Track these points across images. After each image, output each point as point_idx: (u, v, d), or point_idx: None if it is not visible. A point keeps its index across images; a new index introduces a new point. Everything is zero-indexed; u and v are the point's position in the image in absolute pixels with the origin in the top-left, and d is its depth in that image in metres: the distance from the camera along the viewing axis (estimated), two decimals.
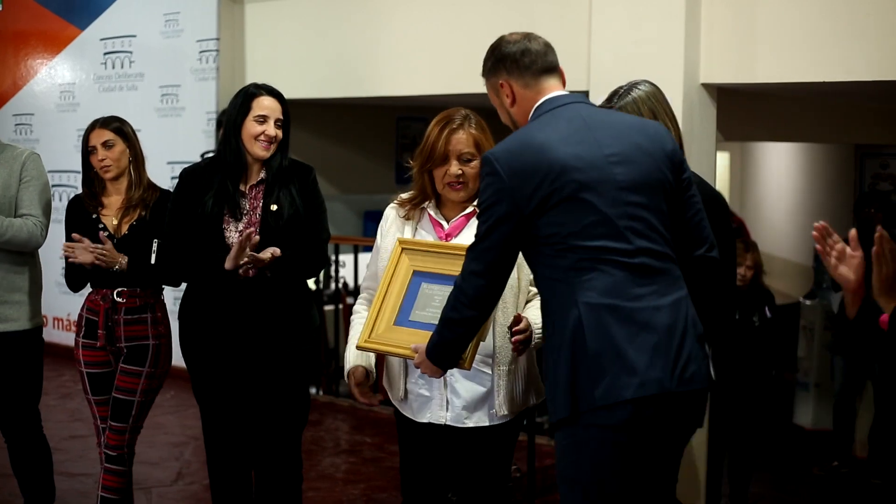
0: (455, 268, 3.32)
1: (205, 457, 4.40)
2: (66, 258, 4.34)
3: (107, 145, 4.42)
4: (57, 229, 4.61)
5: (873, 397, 6.86)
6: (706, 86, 5.89)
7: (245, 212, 4.09)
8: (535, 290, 3.45)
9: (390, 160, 9.86)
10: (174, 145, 8.29)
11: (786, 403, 8.17)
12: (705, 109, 5.90)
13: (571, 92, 3.13)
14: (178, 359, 4.39)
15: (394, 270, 3.46)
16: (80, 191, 4.56)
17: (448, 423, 3.47)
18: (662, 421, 2.86)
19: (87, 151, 4.45)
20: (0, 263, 4.53)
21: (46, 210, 4.63)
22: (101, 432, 4.49)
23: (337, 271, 8.57)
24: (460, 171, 3.44)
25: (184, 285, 4.32)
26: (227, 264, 3.96)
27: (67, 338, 4.57)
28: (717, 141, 6.10)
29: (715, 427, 5.54)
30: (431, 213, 3.55)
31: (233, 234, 4.06)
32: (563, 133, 2.92)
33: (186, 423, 7.07)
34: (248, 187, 4.12)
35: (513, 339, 3.27)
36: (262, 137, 4.06)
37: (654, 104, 3.51)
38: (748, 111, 7.05)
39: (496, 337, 3.40)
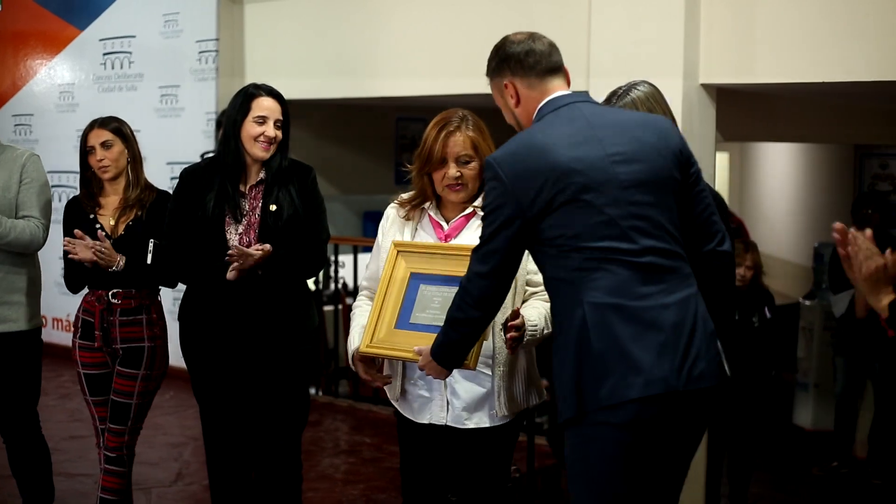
0: (452, 268, 3.32)
1: (204, 457, 4.40)
2: (66, 256, 4.34)
3: (105, 145, 4.42)
4: (56, 230, 4.61)
5: (874, 397, 6.86)
6: (705, 86, 5.88)
7: (245, 212, 4.08)
8: (531, 290, 3.45)
9: (390, 160, 9.86)
10: (173, 146, 8.29)
11: (785, 404, 8.17)
12: (704, 109, 5.90)
13: (573, 92, 3.12)
14: (177, 359, 4.38)
15: (391, 273, 3.46)
16: (78, 191, 4.56)
17: (448, 423, 3.47)
18: (669, 420, 2.85)
19: (86, 151, 4.45)
20: None
21: (47, 212, 4.63)
22: (100, 433, 4.49)
23: (336, 272, 8.57)
24: (458, 174, 3.44)
25: (182, 286, 4.31)
26: (229, 276, 3.95)
27: (67, 338, 4.57)
28: (716, 141, 6.09)
29: (715, 427, 5.54)
30: (431, 214, 3.55)
31: (233, 235, 4.05)
32: (566, 134, 2.92)
33: (186, 423, 7.07)
34: (247, 188, 4.12)
35: (507, 336, 3.26)
36: (261, 138, 4.05)
37: (653, 104, 3.51)
38: (747, 111, 7.04)
39: (495, 338, 3.40)
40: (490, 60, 3.14)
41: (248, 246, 4.00)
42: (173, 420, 7.21)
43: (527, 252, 3.07)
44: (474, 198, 3.51)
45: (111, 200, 4.48)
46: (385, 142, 9.86)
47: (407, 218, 3.58)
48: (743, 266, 5.69)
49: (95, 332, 4.40)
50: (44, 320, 4.79)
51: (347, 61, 7.63)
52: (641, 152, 2.93)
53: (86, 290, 4.50)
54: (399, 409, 3.59)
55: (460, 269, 3.26)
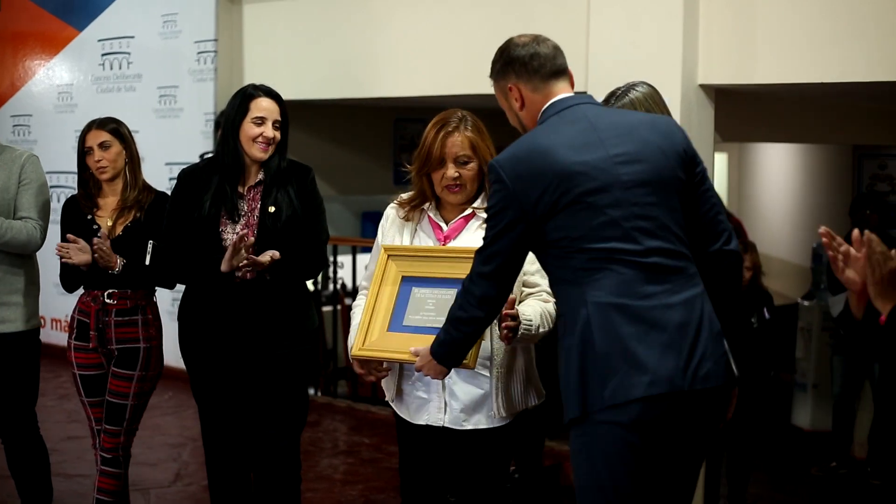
0: (445, 270, 3.33)
1: (203, 458, 4.40)
2: (61, 259, 4.34)
3: (103, 146, 4.42)
4: (54, 230, 4.60)
5: (873, 397, 6.86)
6: (704, 86, 5.88)
7: (243, 213, 4.08)
8: (528, 290, 3.45)
9: (388, 161, 9.86)
10: (172, 146, 8.29)
11: (784, 404, 8.17)
12: (703, 110, 5.90)
13: (576, 94, 3.12)
14: (176, 360, 4.38)
15: (382, 278, 3.46)
16: (77, 192, 4.56)
17: (446, 425, 3.47)
18: (674, 420, 2.85)
19: (84, 152, 4.45)
20: None
21: (45, 213, 4.63)
22: (97, 434, 4.49)
23: (335, 272, 8.57)
24: (457, 174, 3.44)
25: (181, 287, 4.31)
26: (223, 266, 3.96)
27: (65, 339, 4.56)
28: (714, 142, 6.10)
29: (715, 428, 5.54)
30: (431, 215, 3.55)
31: (230, 235, 4.05)
32: (569, 136, 2.92)
33: (185, 424, 7.07)
34: (246, 188, 4.12)
35: (502, 325, 3.25)
36: (260, 139, 4.05)
37: (651, 106, 3.51)
38: (746, 112, 7.05)
39: (493, 339, 3.40)
40: (494, 63, 3.14)
41: (246, 247, 4.00)
42: (172, 421, 7.21)
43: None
44: (473, 199, 3.51)
45: (109, 201, 4.48)
46: (384, 142, 9.86)
47: (406, 219, 3.58)
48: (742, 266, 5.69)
49: (90, 332, 4.40)
50: (42, 321, 4.78)
51: (346, 62, 7.63)
52: (645, 153, 2.93)
53: (81, 291, 4.50)
54: (396, 408, 3.59)
55: (453, 271, 3.27)
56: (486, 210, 3.01)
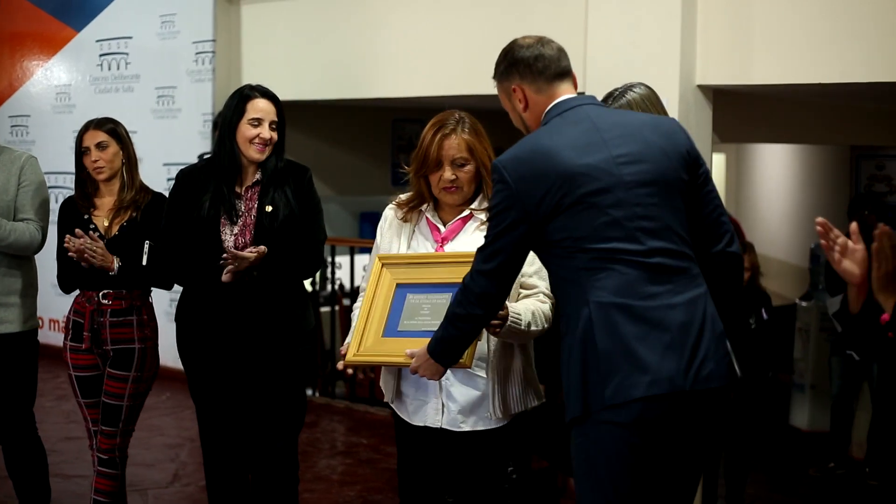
0: (439, 275, 3.33)
1: (201, 458, 4.40)
2: (59, 256, 4.34)
3: (100, 146, 4.42)
4: (52, 231, 4.61)
5: (872, 397, 6.86)
6: (702, 87, 5.88)
7: (240, 213, 4.08)
8: (525, 292, 3.44)
9: (386, 162, 9.87)
10: (170, 147, 8.29)
11: (782, 405, 8.17)
12: (701, 111, 5.90)
13: (579, 95, 3.12)
14: (174, 360, 4.38)
15: (376, 286, 3.47)
16: (74, 192, 4.56)
17: (444, 426, 3.47)
18: (675, 420, 2.85)
19: (81, 152, 4.45)
20: None
21: (45, 214, 4.63)
22: (93, 435, 4.49)
23: (333, 273, 8.57)
24: (454, 177, 3.44)
25: (178, 287, 4.31)
26: (224, 278, 3.96)
27: (62, 339, 4.56)
28: (712, 142, 6.10)
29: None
30: (429, 216, 3.55)
31: (228, 236, 4.05)
32: (572, 137, 2.92)
33: (183, 424, 7.07)
34: (243, 189, 4.12)
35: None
36: (256, 140, 4.05)
37: (648, 107, 3.51)
38: (744, 113, 7.05)
39: (490, 341, 3.39)
40: (498, 64, 3.14)
41: (244, 247, 4.00)
42: (170, 421, 7.21)
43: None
44: (471, 200, 3.51)
45: (106, 202, 4.48)
46: (382, 143, 9.87)
47: (405, 220, 3.58)
48: None
49: (84, 333, 4.40)
50: (40, 321, 4.79)
51: (344, 62, 7.63)
52: (647, 153, 2.93)
53: (77, 292, 4.50)
54: (395, 409, 3.60)
55: (447, 276, 3.27)
56: (489, 210, 3.01)
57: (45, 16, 9.18)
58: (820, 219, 2.71)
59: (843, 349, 6.90)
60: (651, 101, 3.55)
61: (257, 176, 4.12)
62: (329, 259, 8.33)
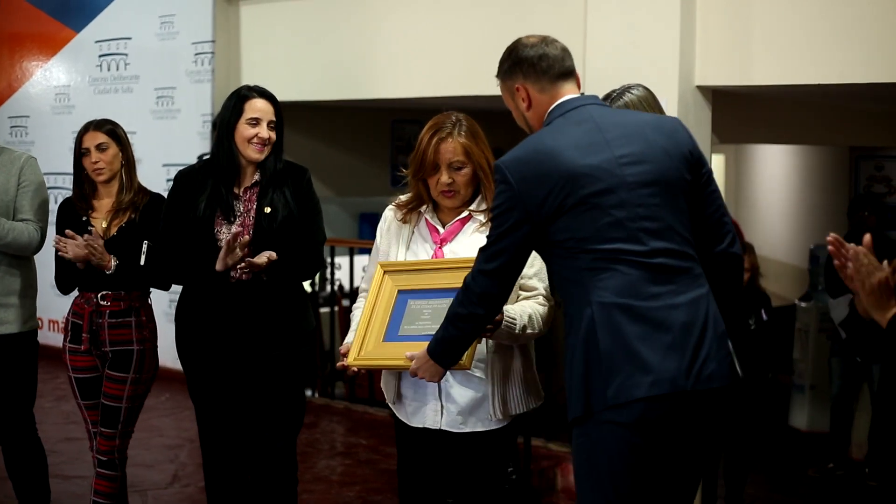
0: (441, 281, 3.34)
1: (200, 459, 4.40)
2: (57, 256, 4.34)
3: (100, 148, 4.42)
4: (50, 232, 4.60)
5: (873, 399, 6.86)
6: (701, 88, 5.89)
7: (239, 214, 4.08)
8: (525, 294, 3.44)
9: (385, 163, 9.87)
10: (169, 148, 8.29)
11: (781, 405, 8.18)
12: (700, 112, 5.90)
13: (582, 95, 3.12)
14: (173, 361, 4.38)
15: (378, 293, 3.47)
16: (72, 193, 4.56)
17: (443, 428, 3.47)
18: (677, 420, 2.86)
19: (80, 153, 4.45)
20: None
21: (44, 215, 4.63)
22: (93, 436, 4.49)
23: (332, 273, 8.57)
24: (451, 180, 3.44)
25: (177, 288, 4.31)
26: (218, 265, 3.96)
27: (62, 340, 4.56)
28: (712, 143, 6.10)
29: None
30: (428, 217, 3.55)
31: (225, 236, 4.05)
32: (574, 138, 2.92)
33: (182, 425, 7.07)
34: (242, 190, 4.12)
35: None
36: (254, 140, 4.06)
37: (646, 108, 3.51)
38: (743, 113, 7.05)
39: (489, 342, 3.39)
40: (502, 62, 3.13)
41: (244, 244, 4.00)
42: (169, 422, 7.21)
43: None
44: (469, 202, 3.51)
45: (104, 203, 4.48)
46: (381, 144, 9.87)
47: (404, 221, 3.58)
48: None
49: (83, 334, 4.40)
50: (39, 322, 4.79)
51: (343, 63, 7.63)
52: (650, 154, 2.93)
53: (76, 293, 4.50)
54: (395, 412, 3.60)
55: (449, 281, 3.27)
56: (491, 210, 3.01)
57: (44, 16, 9.18)
58: (831, 236, 2.70)
59: (848, 354, 6.90)
60: (648, 103, 3.56)
61: (256, 177, 4.12)
62: (328, 260, 8.32)
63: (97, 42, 8.85)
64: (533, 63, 3.05)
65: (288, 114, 4.18)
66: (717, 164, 10.78)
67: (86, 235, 4.28)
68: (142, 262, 4.36)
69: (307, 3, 7.87)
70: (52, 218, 4.59)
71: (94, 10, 8.85)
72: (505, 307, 3.27)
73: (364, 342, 3.43)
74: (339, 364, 3.50)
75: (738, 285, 3.13)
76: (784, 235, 10.66)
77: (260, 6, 8.19)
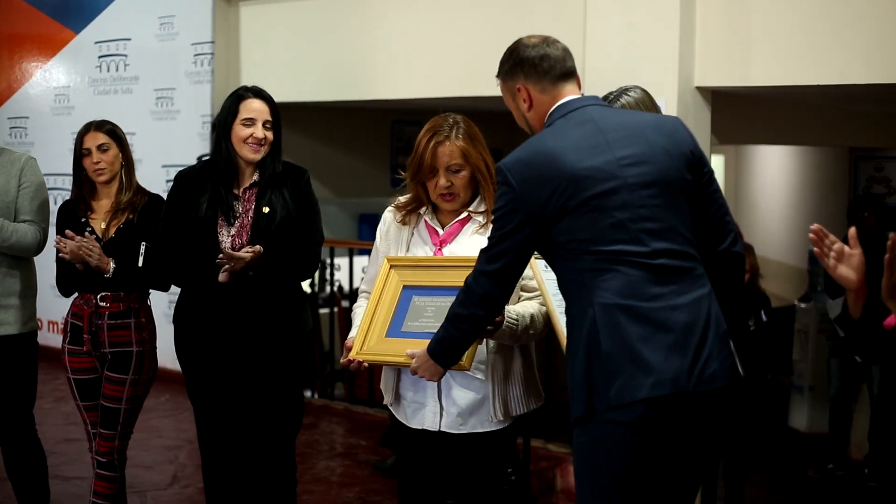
0: (446, 278, 3.34)
1: (200, 460, 4.40)
2: (58, 258, 4.34)
3: (102, 148, 4.42)
4: (51, 233, 4.60)
5: (874, 398, 6.86)
6: (701, 89, 5.89)
7: (238, 215, 4.09)
8: (526, 295, 3.45)
9: (385, 163, 9.87)
10: (169, 148, 8.29)
11: (780, 406, 8.18)
12: (700, 113, 5.91)
13: (583, 96, 3.11)
14: (173, 362, 4.38)
15: (383, 287, 3.48)
16: (70, 195, 4.56)
17: (442, 429, 3.47)
18: (678, 421, 2.86)
19: (81, 154, 4.45)
20: None
21: (45, 216, 4.64)
22: (92, 437, 4.49)
23: (332, 274, 8.57)
24: (449, 183, 3.44)
25: (176, 289, 4.31)
26: (221, 278, 3.96)
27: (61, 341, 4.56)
28: (711, 144, 6.10)
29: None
30: (427, 219, 3.55)
31: (226, 237, 4.06)
32: (576, 139, 2.92)
33: (181, 426, 7.07)
34: (241, 190, 4.13)
35: None
36: (250, 140, 4.07)
37: (644, 110, 3.51)
38: (743, 114, 7.06)
39: (490, 343, 3.39)
40: (503, 63, 3.13)
41: (240, 248, 4.01)
42: (169, 423, 7.21)
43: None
44: (468, 203, 3.51)
45: (103, 204, 4.48)
46: (380, 144, 9.87)
47: (403, 222, 3.58)
48: None
49: (84, 335, 4.40)
50: (39, 323, 4.78)
51: (343, 64, 7.63)
52: (651, 154, 2.93)
53: (76, 294, 4.50)
54: (394, 413, 3.59)
55: (455, 279, 3.27)
56: (493, 211, 3.01)
57: (43, 17, 9.18)
58: (814, 226, 2.72)
59: (845, 353, 6.90)
60: (646, 105, 3.56)
61: (255, 177, 4.13)
62: (328, 261, 8.32)
63: (97, 43, 8.85)
64: (534, 63, 3.05)
65: (287, 114, 4.18)
66: (717, 164, 10.79)
67: (78, 238, 4.28)
68: (140, 264, 4.36)
69: (307, 4, 7.87)
70: (52, 219, 4.60)
71: (93, 10, 8.86)
72: (506, 307, 3.27)
73: (367, 336, 3.44)
74: (343, 359, 3.51)
75: (739, 285, 3.13)
76: (783, 236, 10.66)
77: (259, 7, 8.19)
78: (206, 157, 4.44)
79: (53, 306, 7.76)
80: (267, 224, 4.06)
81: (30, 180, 4.59)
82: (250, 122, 4.07)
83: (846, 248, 2.80)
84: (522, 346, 3.47)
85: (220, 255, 3.95)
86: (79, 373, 4.45)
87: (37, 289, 4.73)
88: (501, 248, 2.95)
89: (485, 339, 3.35)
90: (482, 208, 3.48)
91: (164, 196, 4.37)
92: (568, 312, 2.98)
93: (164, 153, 8.28)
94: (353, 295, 7.61)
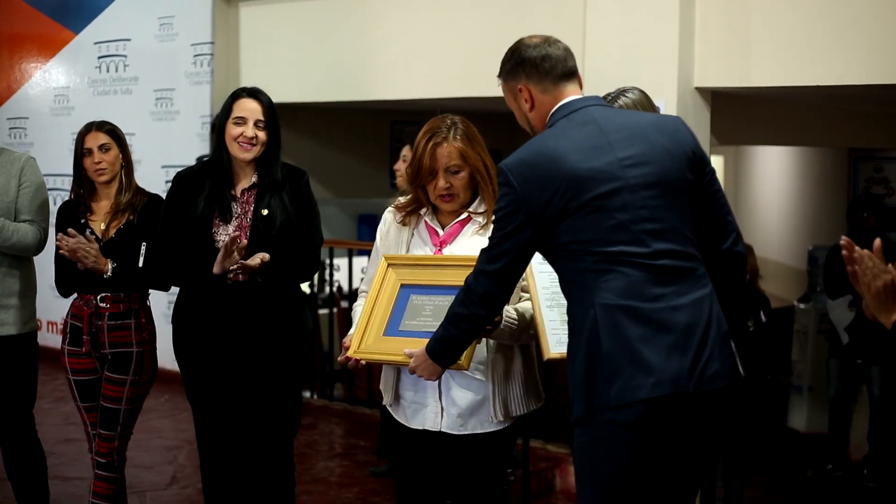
0: (444, 278, 3.34)
1: (199, 461, 4.40)
2: (57, 259, 4.34)
3: (103, 148, 4.43)
4: (51, 235, 4.60)
5: (873, 399, 6.87)
6: (700, 89, 5.89)
7: (236, 215, 4.09)
8: (526, 294, 3.45)
9: (385, 164, 9.86)
10: (168, 149, 8.29)
11: (780, 407, 8.18)
12: (699, 113, 5.91)
13: (585, 96, 3.11)
14: (172, 363, 4.38)
15: (381, 286, 3.48)
16: (69, 196, 4.56)
17: (443, 430, 3.47)
18: (679, 421, 2.86)
19: (82, 154, 4.45)
20: None
21: (46, 216, 4.64)
22: (92, 438, 4.49)
23: (331, 275, 8.57)
24: (448, 184, 3.44)
25: (175, 289, 4.31)
26: (215, 269, 3.97)
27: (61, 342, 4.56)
28: (711, 145, 6.10)
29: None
30: (427, 220, 3.56)
31: (222, 237, 4.06)
32: (577, 140, 2.92)
33: (181, 426, 7.07)
34: (240, 191, 4.13)
35: None
36: (240, 139, 4.08)
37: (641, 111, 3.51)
38: (742, 115, 7.05)
39: (489, 343, 3.39)
40: (504, 63, 3.13)
41: (242, 248, 4.01)
42: (168, 423, 7.21)
43: None
44: (468, 204, 3.51)
45: (102, 205, 4.48)
46: (380, 145, 9.86)
47: (403, 223, 3.58)
48: None
49: (83, 336, 4.40)
50: (38, 323, 4.79)
51: (343, 65, 7.63)
52: (652, 155, 2.93)
53: (75, 295, 4.50)
54: (393, 413, 3.59)
55: (452, 278, 3.27)
56: (494, 212, 3.01)
57: (43, 18, 9.18)
58: (844, 239, 2.68)
59: (846, 356, 6.90)
60: (643, 106, 3.57)
61: (254, 179, 4.13)
62: (327, 261, 8.32)
63: (96, 43, 8.85)
64: (536, 64, 3.05)
65: (287, 115, 4.19)
66: (716, 165, 10.76)
67: (74, 239, 4.28)
68: (140, 264, 4.36)
69: (306, 4, 7.87)
70: (52, 219, 4.60)
71: (93, 11, 8.86)
72: (506, 307, 3.27)
73: (365, 335, 3.44)
74: (341, 357, 3.51)
75: (740, 284, 3.14)
76: (783, 237, 10.66)
77: (259, 7, 8.19)
78: (206, 158, 4.44)
79: (53, 307, 7.76)
80: (265, 226, 4.06)
81: (30, 180, 4.60)
82: (241, 120, 4.09)
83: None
84: (523, 346, 3.47)
85: (234, 267, 3.95)
86: (79, 374, 4.45)
87: (36, 289, 4.73)
88: (502, 248, 2.96)
89: (485, 340, 3.35)
90: (482, 209, 3.48)
91: (164, 196, 4.38)
92: (569, 312, 2.98)
93: (164, 154, 8.28)
94: (352, 295, 7.61)
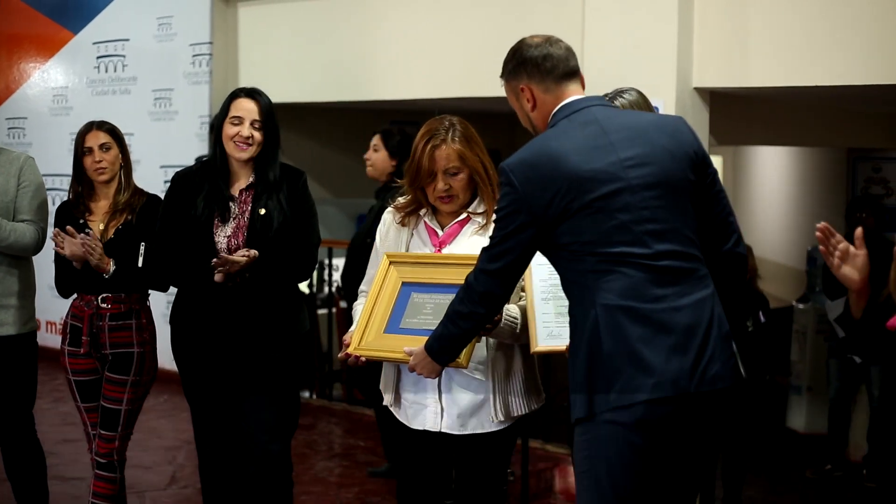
0: (446, 276, 3.34)
1: (198, 461, 4.40)
2: (56, 259, 4.34)
3: (104, 148, 4.43)
4: (49, 235, 4.60)
5: (872, 399, 6.86)
6: (699, 90, 5.89)
7: (234, 215, 4.09)
8: (526, 294, 3.45)
9: None
10: (167, 149, 8.28)
11: (779, 407, 8.18)
12: (698, 113, 5.90)
13: (587, 96, 3.11)
14: (171, 363, 4.38)
15: (382, 283, 3.48)
16: (68, 196, 4.56)
17: (443, 430, 3.47)
18: (679, 422, 2.86)
19: (82, 153, 4.45)
20: None
21: (44, 215, 4.64)
22: (92, 438, 4.49)
23: (330, 275, 8.56)
24: (447, 186, 3.44)
25: (174, 290, 4.31)
26: (217, 278, 3.97)
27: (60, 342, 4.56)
28: (709, 145, 6.10)
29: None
30: (427, 220, 3.56)
31: (221, 238, 4.06)
32: (579, 140, 2.92)
33: (180, 427, 7.06)
34: (237, 191, 4.13)
35: None
36: (236, 138, 4.08)
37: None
38: (741, 115, 7.05)
39: (489, 342, 3.39)
40: (506, 63, 3.13)
41: (236, 250, 4.01)
42: (167, 423, 7.21)
43: None
44: (468, 204, 3.51)
45: (101, 205, 4.48)
46: None
47: (403, 223, 3.58)
48: None
49: (83, 337, 4.39)
50: (38, 323, 4.78)
51: (342, 64, 7.63)
52: (653, 155, 2.93)
53: (74, 296, 4.50)
54: (393, 413, 3.59)
55: (454, 276, 3.27)
56: (496, 211, 3.01)
57: (42, 18, 9.18)
58: (821, 224, 2.71)
59: (845, 354, 6.90)
60: (640, 107, 3.57)
61: (251, 179, 4.13)
62: (326, 261, 8.32)
63: (95, 43, 8.85)
64: (537, 63, 3.05)
65: (286, 115, 4.19)
66: (715, 165, 10.78)
67: (82, 235, 4.28)
68: (140, 264, 4.36)
69: (305, 4, 7.87)
70: (50, 219, 4.59)
71: (91, 11, 8.85)
72: (507, 306, 3.27)
73: (366, 332, 3.44)
74: (341, 354, 3.51)
75: (740, 285, 3.14)
76: (782, 237, 10.66)
77: (258, 7, 8.19)
78: (205, 158, 4.44)
79: (52, 307, 7.75)
80: (262, 226, 4.06)
81: (29, 180, 4.59)
82: (238, 120, 4.09)
83: (851, 248, 2.80)
84: (523, 345, 3.46)
85: (215, 259, 3.96)
86: (79, 374, 4.45)
87: (35, 289, 4.72)
88: (504, 247, 2.95)
89: (484, 339, 3.35)
90: (481, 209, 3.48)
91: (162, 196, 4.37)
92: (570, 313, 2.98)
93: (162, 154, 8.27)
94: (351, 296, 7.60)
